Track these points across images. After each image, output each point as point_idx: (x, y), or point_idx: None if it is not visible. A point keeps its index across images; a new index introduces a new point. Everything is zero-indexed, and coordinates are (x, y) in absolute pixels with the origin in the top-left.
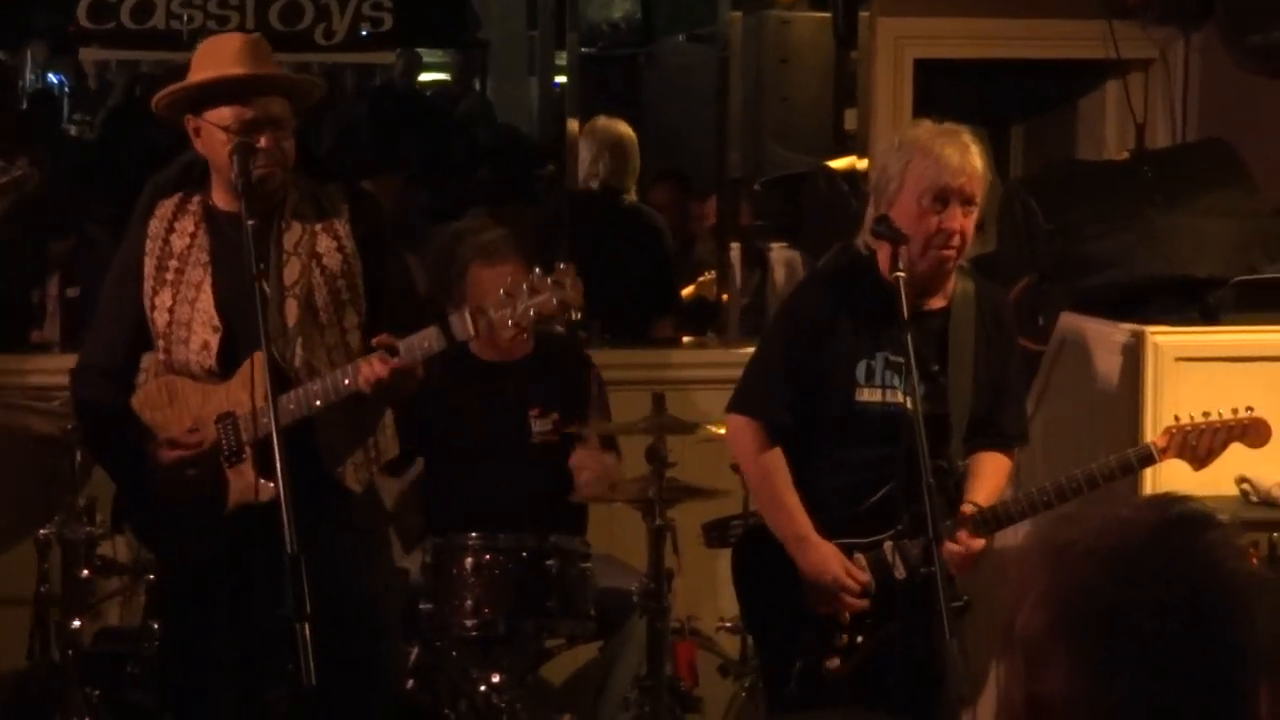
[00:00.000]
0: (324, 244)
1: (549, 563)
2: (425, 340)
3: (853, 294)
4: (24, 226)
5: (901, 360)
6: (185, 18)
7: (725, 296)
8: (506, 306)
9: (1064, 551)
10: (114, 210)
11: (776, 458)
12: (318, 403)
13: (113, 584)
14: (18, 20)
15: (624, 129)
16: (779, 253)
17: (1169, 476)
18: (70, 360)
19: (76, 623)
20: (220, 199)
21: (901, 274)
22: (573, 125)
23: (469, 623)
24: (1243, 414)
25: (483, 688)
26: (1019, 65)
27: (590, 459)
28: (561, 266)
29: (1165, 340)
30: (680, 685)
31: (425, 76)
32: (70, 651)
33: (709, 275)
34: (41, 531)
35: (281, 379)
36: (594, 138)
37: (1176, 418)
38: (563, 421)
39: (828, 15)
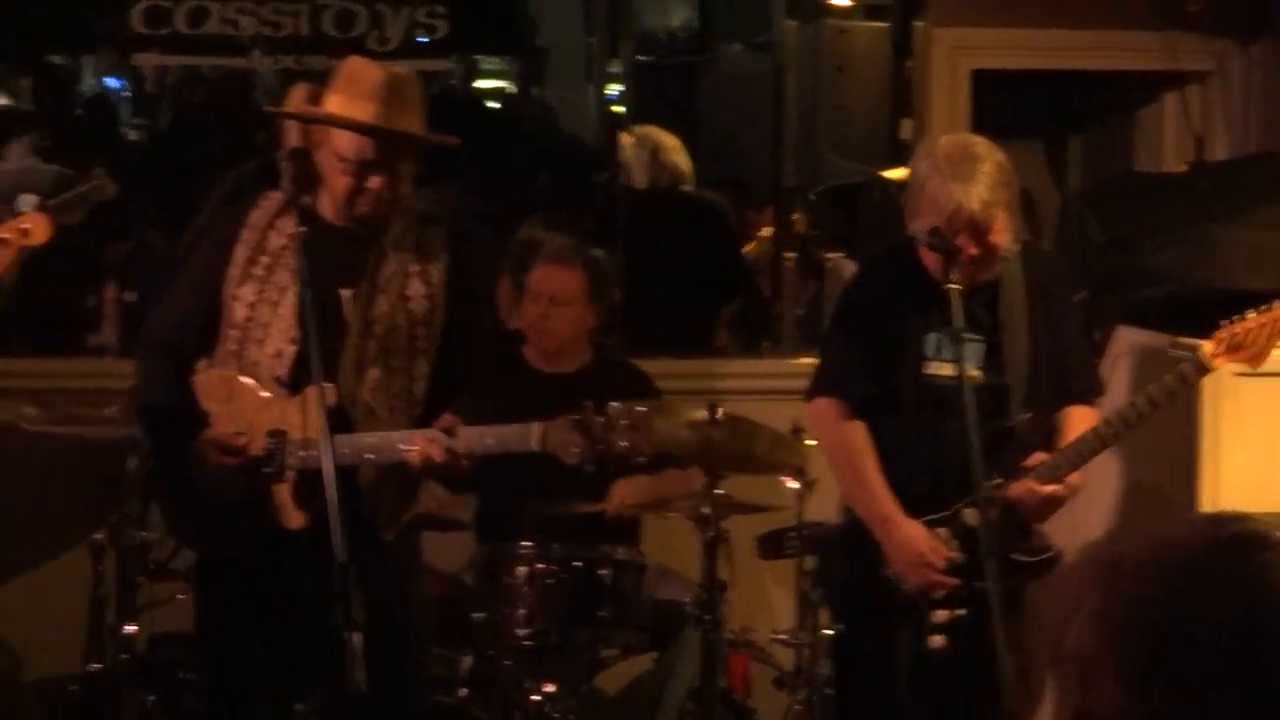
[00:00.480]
0: (414, 288)
1: (602, 573)
2: (489, 438)
3: (910, 274)
4: (81, 231)
5: (966, 335)
6: (240, 23)
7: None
8: (580, 437)
9: (1116, 567)
10: (171, 216)
11: (860, 434)
12: (369, 457)
13: (167, 589)
14: (76, 25)
15: (668, 137)
16: (839, 263)
17: (1228, 495)
18: (126, 365)
19: (131, 628)
20: (326, 210)
21: (955, 285)
22: (625, 134)
23: (522, 632)
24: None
25: (536, 697)
26: (1077, 76)
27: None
28: (638, 409)
29: None
30: (734, 697)
31: (482, 84)
32: (125, 656)
33: (765, 234)
34: (95, 536)
35: (342, 417)
36: (640, 145)
37: (1219, 323)
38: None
39: (885, 25)
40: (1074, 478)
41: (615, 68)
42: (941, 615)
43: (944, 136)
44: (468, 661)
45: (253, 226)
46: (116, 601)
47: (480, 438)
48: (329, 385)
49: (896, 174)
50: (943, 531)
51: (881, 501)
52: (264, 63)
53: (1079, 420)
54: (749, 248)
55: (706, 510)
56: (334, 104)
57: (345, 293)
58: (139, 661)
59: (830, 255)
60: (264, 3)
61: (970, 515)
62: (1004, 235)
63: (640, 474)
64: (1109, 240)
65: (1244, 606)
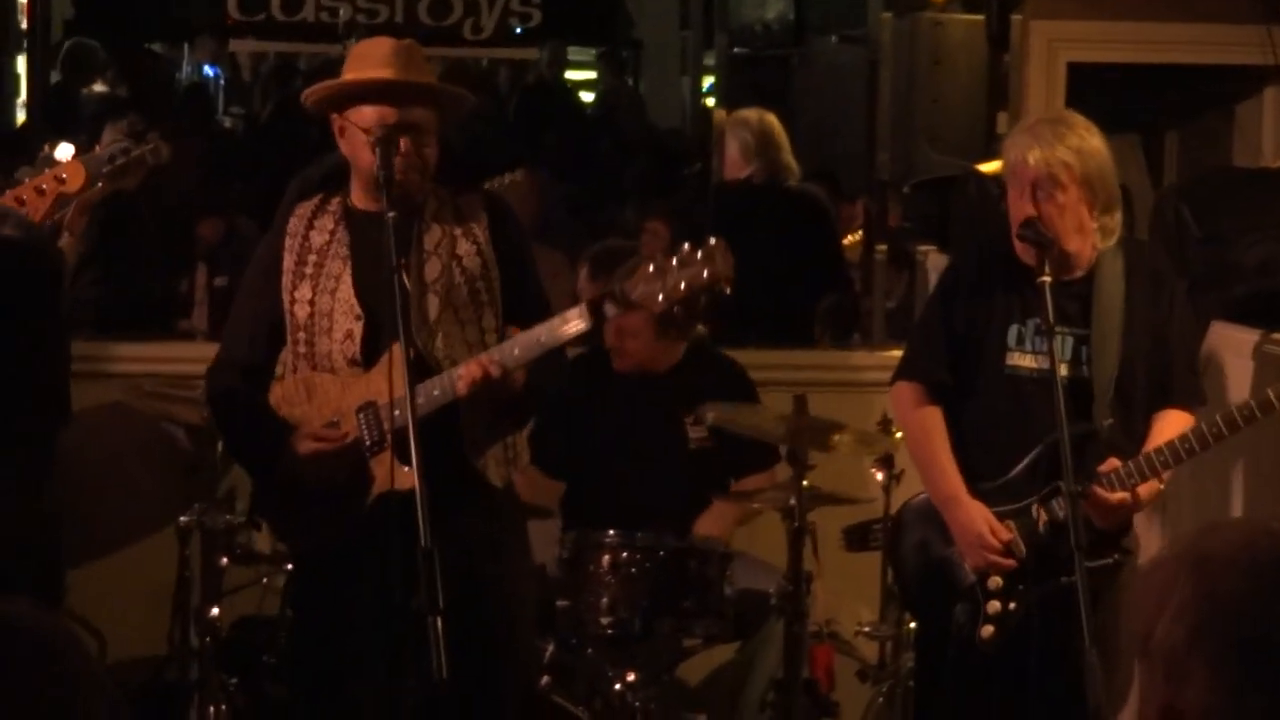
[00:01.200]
0: (463, 247)
1: (686, 562)
2: (571, 319)
3: (1002, 263)
4: (173, 214)
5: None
6: (335, 10)
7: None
8: (656, 281)
9: (1205, 563)
10: (263, 203)
11: (934, 417)
12: (436, 394)
13: (251, 573)
14: (175, 13)
15: (771, 119)
16: (933, 257)
17: None
18: (201, 349)
19: (215, 610)
20: (359, 199)
21: (1047, 278)
22: (720, 118)
23: (605, 620)
24: None
25: (618, 686)
26: (1174, 70)
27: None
28: (711, 241)
29: None
30: (817, 689)
31: (576, 75)
32: (208, 639)
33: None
34: (182, 519)
35: (424, 370)
36: (742, 129)
37: None
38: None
39: (981, 18)
40: (1146, 488)
41: (710, 60)
42: (995, 607)
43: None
44: (550, 649)
45: (292, 234)
46: (201, 584)
47: (566, 318)
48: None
49: (991, 167)
50: (1010, 523)
51: (950, 481)
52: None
53: (1171, 426)
54: (845, 241)
55: (792, 501)
56: (347, 77)
57: (394, 263)
58: (222, 644)
59: (922, 248)
60: None
61: (1038, 512)
62: (1071, 207)
63: (723, 503)
64: (1205, 236)
65: None
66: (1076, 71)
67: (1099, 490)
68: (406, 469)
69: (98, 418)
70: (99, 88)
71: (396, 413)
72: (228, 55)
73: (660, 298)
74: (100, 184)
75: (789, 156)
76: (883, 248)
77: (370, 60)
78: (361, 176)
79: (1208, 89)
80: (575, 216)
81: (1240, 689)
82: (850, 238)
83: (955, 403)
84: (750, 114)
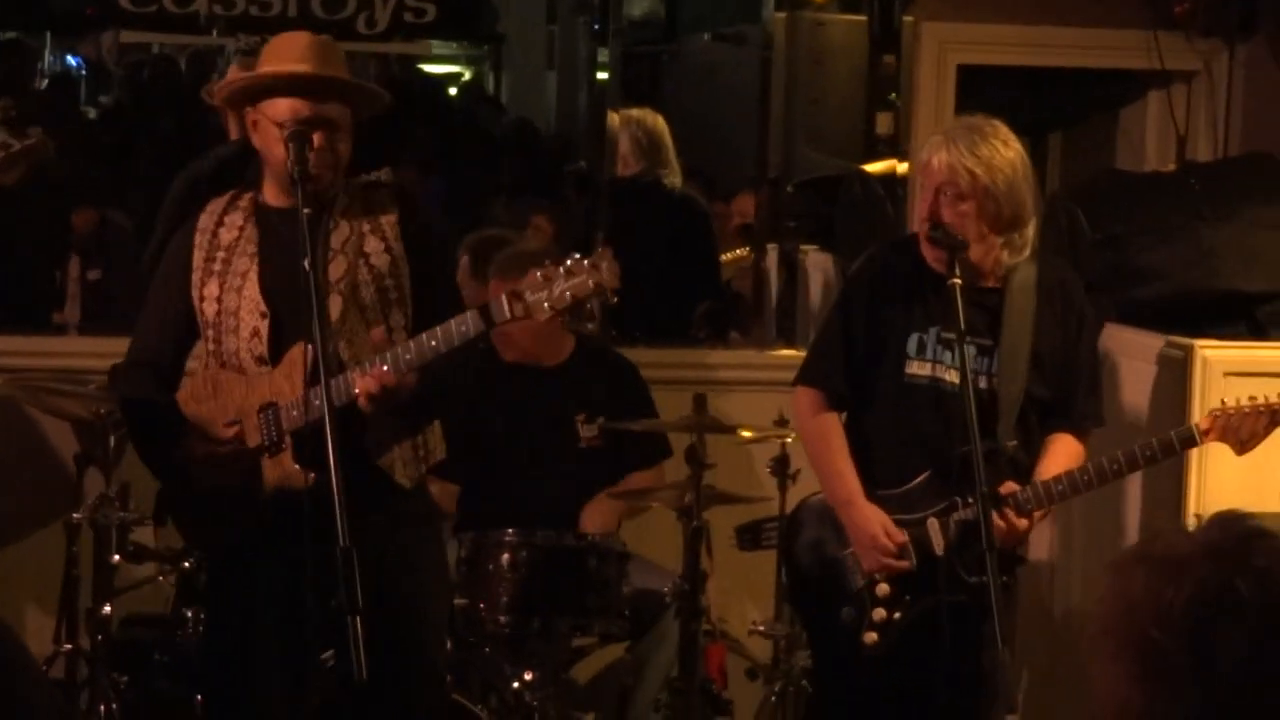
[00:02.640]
0: (371, 244)
1: (585, 560)
2: (464, 324)
3: (907, 270)
4: (44, 206)
5: (953, 336)
6: (231, 3)
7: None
8: (543, 289)
9: (1124, 560)
10: (133, 193)
11: (832, 423)
12: (344, 398)
13: (144, 570)
14: (35, 2)
15: (660, 119)
16: (813, 256)
17: (1215, 498)
18: (91, 343)
19: (107, 608)
20: (271, 195)
21: (957, 280)
22: (613, 119)
23: (503, 619)
24: None
25: (516, 685)
26: (1060, 73)
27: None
28: (599, 250)
29: (1214, 354)
30: (712, 688)
31: (437, 69)
32: (100, 637)
33: (740, 253)
34: (74, 515)
35: (329, 370)
36: (635, 127)
37: (1223, 401)
38: (608, 424)
39: (863, 18)
40: (1039, 513)
41: (603, 57)
42: (880, 614)
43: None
44: (447, 648)
45: (202, 230)
46: (93, 582)
47: (459, 324)
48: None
49: (876, 168)
50: (905, 530)
51: (847, 484)
52: (242, 43)
53: (1064, 450)
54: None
55: (689, 500)
56: (261, 70)
57: (306, 262)
58: (112, 642)
59: (803, 248)
60: None
61: (933, 526)
62: (971, 216)
63: (609, 497)
64: (1099, 238)
65: (1225, 584)
66: (963, 73)
67: (1008, 514)
68: (301, 470)
69: None
70: None
71: (294, 413)
72: (90, 45)
73: (546, 306)
74: None
75: (673, 157)
76: (773, 246)
77: (286, 54)
78: (274, 171)
79: (1092, 92)
80: (445, 214)
81: (1166, 683)
82: (731, 254)
83: (856, 410)
84: (643, 113)
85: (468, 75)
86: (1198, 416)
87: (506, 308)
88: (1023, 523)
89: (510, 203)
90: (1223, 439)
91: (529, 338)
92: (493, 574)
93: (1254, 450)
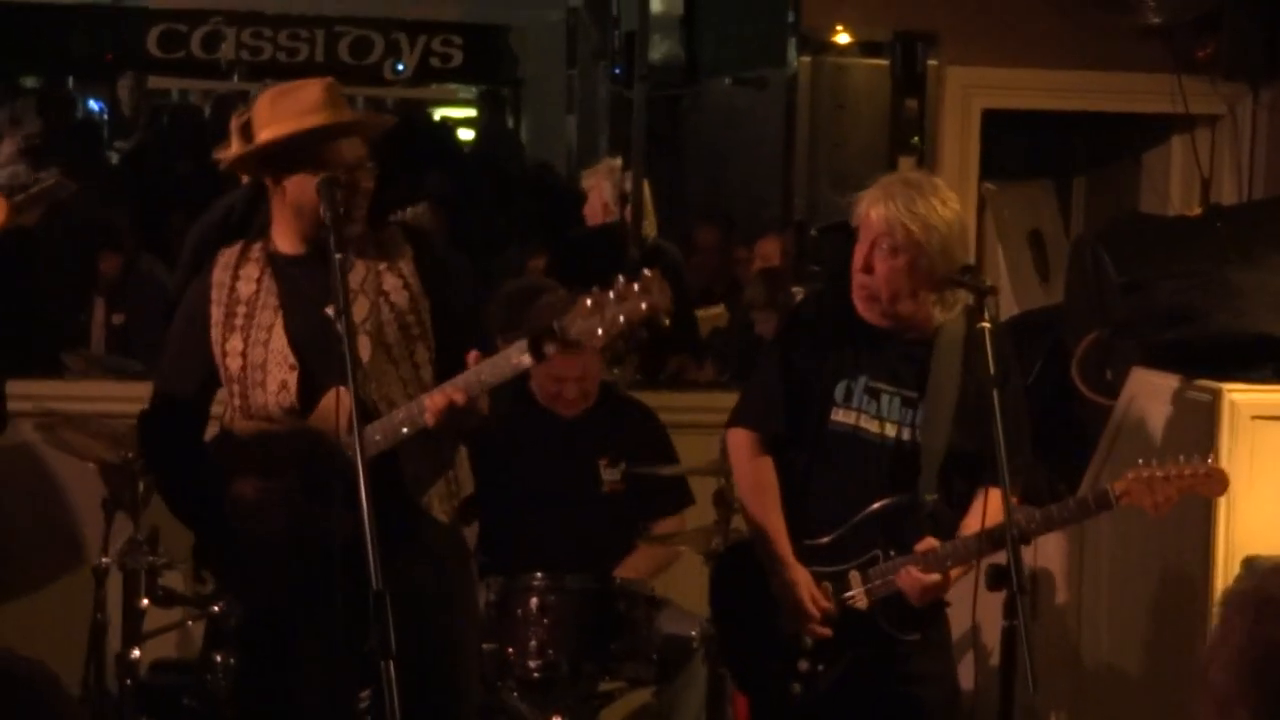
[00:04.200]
0: (389, 282)
1: (614, 604)
2: (514, 354)
3: (843, 316)
4: (69, 249)
5: (881, 386)
6: (258, 50)
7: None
8: (594, 316)
9: (1266, 605)
10: (150, 237)
11: (767, 470)
12: (404, 430)
13: (172, 615)
14: (57, 47)
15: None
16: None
17: (1244, 538)
18: (117, 387)
19: (135, 653)
20: (284, 244)
21: (986, 325)
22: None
23: (533, 663)
24: (1200, 466)
25: None
26: (1085, 117)
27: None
28: (647, 273)
29: (1242, 398)
30: None
31: (454, 112)
32: (128, 682)
33: (714, 310)
34: (102, 560)
35: (362, 413)
36: (609, 177)
37: (1140, 462)
38: (630, 469)
39: (885, 62)
40: (956, 571)
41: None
42: (804, 665)
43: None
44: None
45: (218, 285)
46: (122, 626)
47: (510, 355)
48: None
49: None
50: (826, 586)
51: (775, 542)
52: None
53: (989, 506)
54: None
55: (716, 544)
56: (281, 132)
57: (329, 310)
58: (141, 687)
59: (794, 289)
60: (280, 29)
61: (855, 579)
62: (902, 271)
63: (647, 547)
64: (1125, 282)
65: None
66: (988, 117)
67: (914, 571)
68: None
69: (12, 456)
70: None
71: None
72: (110, 89)
73: (600, 333)
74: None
75: (651, 207)
76: (798, 290)
77: (303, 108)
78: (304, 219)
79: (1116, 136)
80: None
81: None
82: (704, 311)
83: (787, 453)
84: (613, 163)
85: (487, 119)
86: (1225, 460)
87: (559, 340)
88: (932, 577)
89: (519, 246)
90: (1139, 502)
91: (590, 385)
92: (521, 618)
93: None
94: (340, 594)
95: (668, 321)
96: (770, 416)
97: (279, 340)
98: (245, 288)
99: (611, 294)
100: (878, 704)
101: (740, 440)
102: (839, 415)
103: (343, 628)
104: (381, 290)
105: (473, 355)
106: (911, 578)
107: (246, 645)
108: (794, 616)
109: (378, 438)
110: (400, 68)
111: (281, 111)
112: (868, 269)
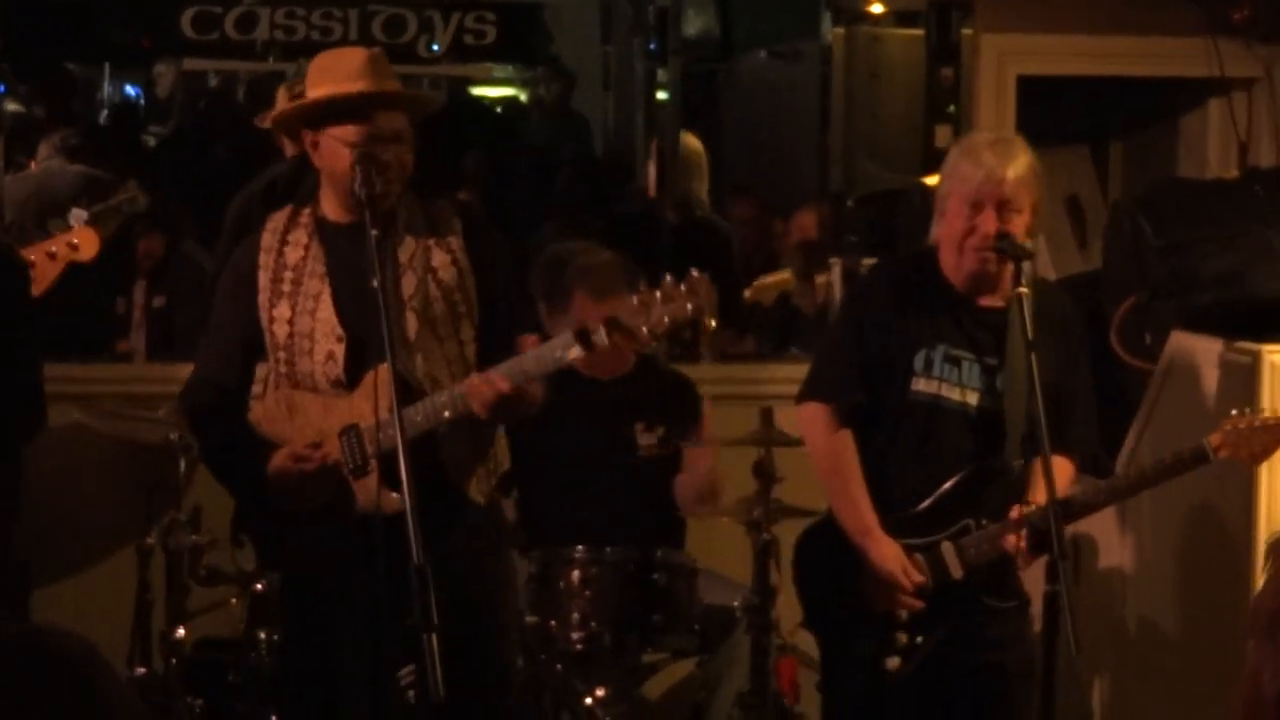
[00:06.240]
0: (438, 258)
1: (655, 576)
2: (560, 347)
3: (917, 285)
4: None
5: (961, 354)
6: (291, 29)
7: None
8: (640, 315)
9: None
10: (198, 222)
11: (847, 443)
12: (446, 414)
13: (217, 593)
14: (92, 34)
15: (694, 145)
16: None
17: None
18: (157, 370)
19: (180, 631)
20: (331, 211)
21: (1024, 290)
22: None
23: (575, 635)
24: None
25: (588, 701)
26: (1120, 82)
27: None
28: (694, 274)
29: None
30: (783, 702)
31: (493, 91)
32: (173, 660)
33: (783, 275)
34: (146, 540)
35: (407, 391)
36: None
37: (1234, 412)
38: (669, 435)
39: (920, 32)
40: None
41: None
42: (902, 639)
43: (974, 132)
44: (518, 665)
45: (266, 250)
46: (166, 605)
47: (556, 346)
48: (384, 365)
49: (936, 180)
50: (918, 558)
51: (862, 515)
52: (298, 66)
53: (1059, 475)
54: (765, 281)
55: (758, 514)
56: (321, 93)
57: (375, 282)
58: (186, 665)
59: (865, 262)
60: (314, 9)
61: (948, 550)
62: (1027, 228)
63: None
64: (1163, 245)
65: None
66: (1023, 84)
67: (1015, 538)
68: (394, 494)
69: (56, 438)
70: (12, 106)
71: (382, 436)
72: (146, 74)
73: (645, 331)
74: None
75: (702, 186)
76: (837, 261)
77: (343, 73)
78: (338, 189)
79: (1153, 100)
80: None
81: None
82: (772, 278)
83: (864, 426)
84: (683, 136)
85: (524, 97)
86: None
87: (605, 335)
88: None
89: (555, 225)
90: (1235, 454)
91: (612, 366)
92: (563, 591)
93: None
94: (382, 566)
95: (713, 324)
96: (848, 388)
97: (326, 310)
98: (293, 253)
99: (659, 294)
100: (968, 673)
101: (815, 414)
102: (919, 384)
103: (385, 602)
104: (430, 266)
105: (530, 339)
106: (1016, 545)
107: (289, 616)
108: (888, 591)
109: (419, 418)
110: (435, 47)
111: (325, 75)
112: (1002, 233)
